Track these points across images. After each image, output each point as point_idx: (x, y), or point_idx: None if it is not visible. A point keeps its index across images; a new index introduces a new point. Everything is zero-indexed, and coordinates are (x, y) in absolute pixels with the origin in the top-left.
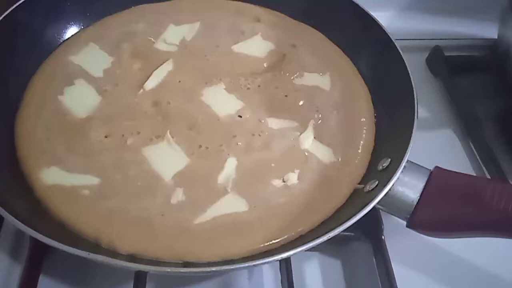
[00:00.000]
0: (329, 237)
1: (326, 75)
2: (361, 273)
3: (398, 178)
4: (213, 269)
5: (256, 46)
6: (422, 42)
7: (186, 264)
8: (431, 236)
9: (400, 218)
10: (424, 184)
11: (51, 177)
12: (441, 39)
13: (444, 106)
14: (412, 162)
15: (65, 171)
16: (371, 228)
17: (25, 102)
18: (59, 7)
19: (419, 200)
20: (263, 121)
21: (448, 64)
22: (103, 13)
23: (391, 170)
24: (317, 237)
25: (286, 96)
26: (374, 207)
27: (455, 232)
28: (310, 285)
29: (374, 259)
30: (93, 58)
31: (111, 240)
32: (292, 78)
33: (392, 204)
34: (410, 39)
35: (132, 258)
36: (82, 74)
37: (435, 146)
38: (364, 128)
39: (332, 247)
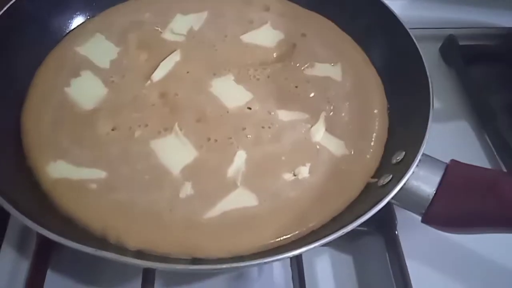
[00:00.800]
0: (342, 233)
1: (338, 65)
2: (373, 268)
3: (413, 172)
4: (223, 266)
5: (265, 36)
6: (435, 31)
7: (195, 260)
8: (447, 232)
9: (415, 213)
10: (440, 178)
11: (57, 170)
12: (455, 27)
13: (458, 97)
14: (427, 155)
15: (71, 164)
16: (384, 223)
17: (31, 95)
18: None
19: (435, 194)
20: (273, 113)
21: (462, 53)
22: (109, 3)
23: (406, 164)
24: (330, 234)
25: (296, 87)
26: (388, 202)
27: (472, 228)
28: (321, 281)
29: (387, 255)
30: (99, 49)
31: (119, 235)
32: (302, 68)
33: (407, 198)
34: (423, 28)
35: (140, 253)
36: (89, 65)
37: (449, 138)
38: (377, 119)
39: (344, 242)
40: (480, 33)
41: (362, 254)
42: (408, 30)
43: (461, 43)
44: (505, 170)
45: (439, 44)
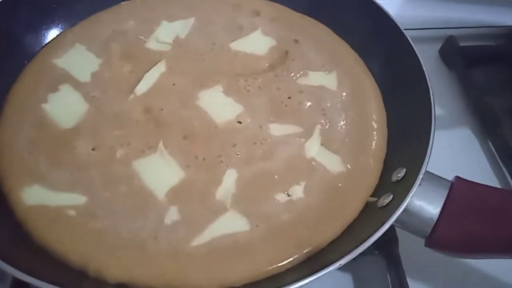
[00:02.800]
0: (340, 265)
1: (333, 73)
2: None
3: (415, 192)
4: None
5: (256, 43)
6: (434, 31)
7: None
8: (453, 257)
9: (418, 236)
10: (444, 198)
11: (33, 196)
12: (455, 27)
13: (460, 102)
14: (430, 172)
15: (48, 189)
16: (385, 242)
17: (5, 112)
18: (41, 5)
19: (439, 216)
20: (264, 127)
21: (463, 55)
22: (90, 11)
23: (407, 183)
24: (328, 264)
25: (289, 98)
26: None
27: (479, 254)
28: None
29: (388, 275)
30: (79, 61)
31: (99, 268)
32: (295, 77)
33: (409, 221)
34: (421, 29)
35: (122, 287)
36: (68, 79)
37: (452, 148)
38: (375, 132)
39: None
40: (482, 33)
41: (362, 274)
42: (405, 33)
43: (461, 44)
44: (510, 178)
45: (439, 46)
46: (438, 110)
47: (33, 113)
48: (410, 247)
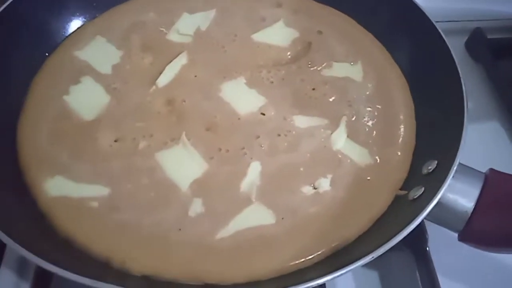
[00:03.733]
0: (371, 259)
1: (358, 65)
2: (402, 287)
3: (448, 185)
4: None
5: (278, 34)
6: (460, 24)
7: (207, 287)
8: (488, 251)
9: (451, 230)
10: (479, 190)
11: (56, 188)
12: (482, 20)
13: (488, 95)
14: (463, 164)
15: (71, 180)
16: (414, 238)
17: (27, 105)
18: None
19: (474, 209)
20: (289, 119)
21: (490, 47)
22: (110, 3)
23: (440, 175)
24: (357, 259)
25: (313, 89)
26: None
27: None
28: None
29: (417, 272)
30: (100, 53)
31: (123, 259)
32: (319, 69)
33: (443, 215)
34: (447, 21)
35: (146, 280)
36: (89, 71)
37: (481, 141)
38: (403, 124)
39: None
40: (509, 25)
41: (389, 271)
42: (435, 24)
43: (488, 36)
44: None
45: (465, 38)
46: None
47: (55, 104)
48: (440, 242)
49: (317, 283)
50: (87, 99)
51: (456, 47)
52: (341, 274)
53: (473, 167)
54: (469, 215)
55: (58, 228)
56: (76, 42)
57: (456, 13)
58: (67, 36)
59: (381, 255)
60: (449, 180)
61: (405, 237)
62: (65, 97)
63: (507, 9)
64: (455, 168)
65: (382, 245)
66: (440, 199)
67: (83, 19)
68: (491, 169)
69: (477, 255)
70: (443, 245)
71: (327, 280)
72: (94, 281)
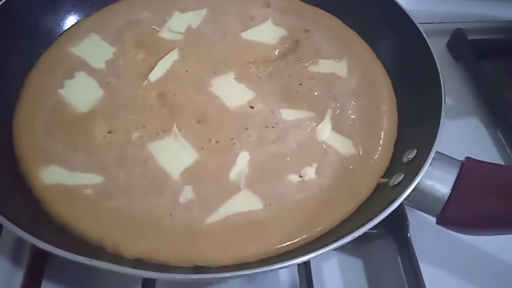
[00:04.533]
0: (353, 238)
1: (343, 61)
2: (385, 273)
3: (426, 171)
4: (227, 275)
5: (266, 33)
6: (442, 25)
7: (197, 269)
8: (464, 234)
9: (429, 214)
10: (455, 176)
11: (51, 176)
12: (463, 21)
13: (468, 93)
14: (441, 153)
15: (66, 169)
16: (395, 225)
17: (23, 97)
18: None
19: (450, 194)
20: (276, 112)
21: (471, 48)
22: (104, 1)
23: (418, 162)
24: (339, 238)
25: (300, 84)
26: (400, 203)
27: (490, 229)
28: (329, 286)
29: (399, 258)
30: (94, 49)
31: (116, 244)
32: (306, 65)
33: (421, 199)
34: (429, 23)
35: (139, 262)
36: (83, 66)
37: (461, 136)
38: (386, 117)
39: (353, 245)
40: (490, 26)
41: (372, 258)
42: (417, 24)
43: (469, 37)
44: None
45: (447, 39)
46: (447, 101)
47: (50, 97)
48: (420, 229)
49: (302, 260)
50: (81, 93)
51: (438, 47)
52: (324, 252)
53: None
54: (446, 199)
55: (53, 214)
56: (71, 38)
57: (438, 15)
58: (62, 33)
59: (365, 242)
60: (426, 167)
61: (387, 225)
62: (60, 91)
63: (487, 11)
64: (432, 155)
65: (363, 226)
66: (418, 184)
67: (78, 16)
68: (468, 157)
69: (455, 240)
70: (423, 232)
71: (311, 258)
72: (88, 259)
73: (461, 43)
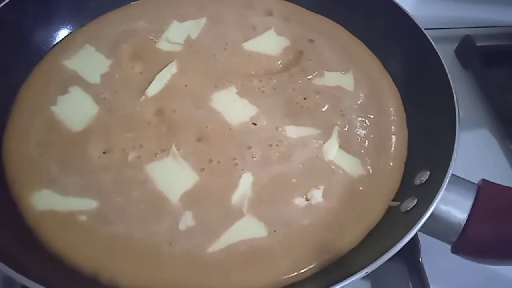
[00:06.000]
0: (366, 273)
1: (349, 73)
2: None
3: (441, 196)
4: None
5: (269, 43)
6: (450, 31)
7: None
8: (481, 263)
9: (444, 242)
10: (472, 201)
11: (43, 201)
12: (471, 27)
13: (478, 103)
14: (456, 175)
15: (59, 194)
16: (406, 248)
17: (14, 114)
18: (50, 5)
19: (467, 221)
20: (280, 129)
21: (480, 55)
22: (99, 11)
23: (432, 186)
24: (351, 274)
25: (305, 99)
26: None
27: (510, 259)
28: None
29: (410, 282)
30: (89, 62)
31: (112, 275)
32: (311, 77)
33: (436, 227)
34: (437, 29)
35: None
36: (77, 80)
37: (471, 149)
38: (395, 134)
39: None
40: (499, 32)
41: (382, 282)
42: (425, 32)
43: (478, 43)
44: None
45: (455, 45)
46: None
47: (42, 115)
48: (433, 253)
49: None
50: (75, 110)
51: (446, 54)
52: None
53: (463, 175)
54: (462, 226)
55: (46, 243)
56: (65, 51)
57: (445, 21)
58: (55, 45)
59: None
60: (442, 192)
61: None
62: (53, 108)
63: (496, 16)
64: (447, 179)
65: (376, 260)
66: (433, 211)
67: (72, 27)
68: (483, 180)
69: (469, 266)
70: (436, 256)
71: None
72: None
73: (469, 50)
